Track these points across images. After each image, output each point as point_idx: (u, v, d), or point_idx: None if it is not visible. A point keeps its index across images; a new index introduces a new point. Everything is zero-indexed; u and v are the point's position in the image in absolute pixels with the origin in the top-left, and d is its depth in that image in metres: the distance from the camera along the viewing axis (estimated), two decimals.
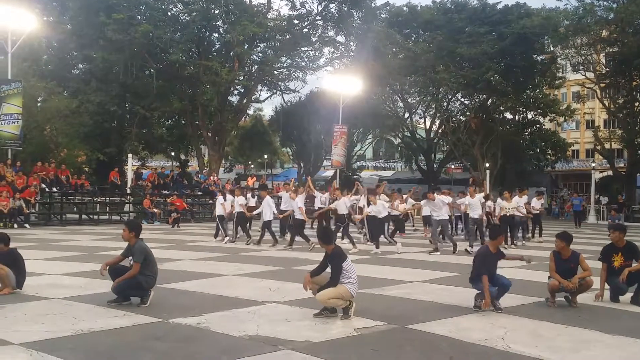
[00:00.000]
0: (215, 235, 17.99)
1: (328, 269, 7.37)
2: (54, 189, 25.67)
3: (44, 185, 24.81)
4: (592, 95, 49.86)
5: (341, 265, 7.20)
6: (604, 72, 44.00)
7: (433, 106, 47.94)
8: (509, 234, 16.87)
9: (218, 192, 25.00)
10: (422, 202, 17.39)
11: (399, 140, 57.45)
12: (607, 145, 46.42)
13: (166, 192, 29.39)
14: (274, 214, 17.02)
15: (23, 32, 25.87)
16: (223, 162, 51.16)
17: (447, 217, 15.95)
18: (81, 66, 42.45)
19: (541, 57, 43.84)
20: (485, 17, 40.88)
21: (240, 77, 39.89)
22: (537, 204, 20.00)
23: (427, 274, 11.28)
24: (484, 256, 7.96)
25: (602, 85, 44.11)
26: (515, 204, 17.63)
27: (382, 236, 15.55)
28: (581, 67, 44.07)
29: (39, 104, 32.83)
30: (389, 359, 5.71)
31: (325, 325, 6.89)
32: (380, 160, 74.56)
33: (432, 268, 12.11)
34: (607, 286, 8.55)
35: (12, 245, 8.87)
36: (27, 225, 21.60)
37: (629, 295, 8.49)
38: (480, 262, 7.88)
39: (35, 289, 8.72)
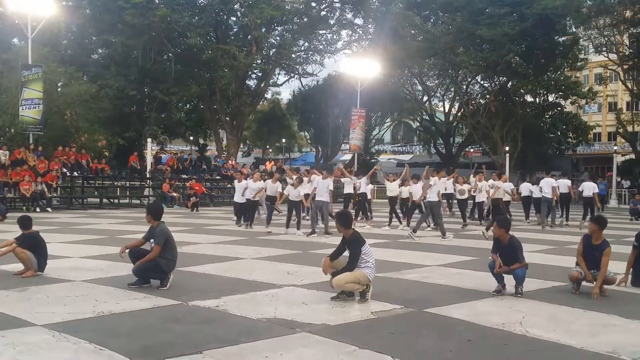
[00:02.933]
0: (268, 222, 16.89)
1: (346, 252, 7.39)
2: (75, 173, 25.96)
3: (65, 170, 25.12)
4: (614, 77, 48.99)
5: (360, 250, 7.19)
6: (627, 53, 43.18)
7: (452, 89, 47.45)
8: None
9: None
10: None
11: (418, 124, 57.02)
12: (629, 128, 45.67)
13: (185, 176, 29.58)
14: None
15: (43, 17, 26.05)
16: (241, 146, 51.32)
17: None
18: (100, 51, 42.75)
19: (563, 38, 43.05)
20: None
21: (258, 61, 39.85)
22: (562, 185, 19.18)
23: (446, 257, 11.25)
24: (494, 239, 8.01)
25: (625, 66, 43.31)
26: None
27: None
28: (604, 49, 43.24)
29: (59, 89, 33.07)
30: (406, 342, 5.72)
31: (343, 309, 6.92)
32: (399, 144, 74.23)
33: (451, 252, 12.07)
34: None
35: (34, 228, 9.02)
36: (49, 209, 21.90)
37: None
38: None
39: (57, 272, 8.87)
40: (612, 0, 38.63)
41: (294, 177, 17.60)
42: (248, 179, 18.11)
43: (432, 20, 43.96)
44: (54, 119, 29.48)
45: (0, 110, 28.94)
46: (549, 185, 18.37)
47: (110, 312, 6.56)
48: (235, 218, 18.31)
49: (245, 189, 17.06)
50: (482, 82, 46.06)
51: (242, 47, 38.07)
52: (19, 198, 21.88)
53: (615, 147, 44.09)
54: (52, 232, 13.76)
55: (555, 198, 18.40)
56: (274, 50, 41.97)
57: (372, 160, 49.98)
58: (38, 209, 21.22)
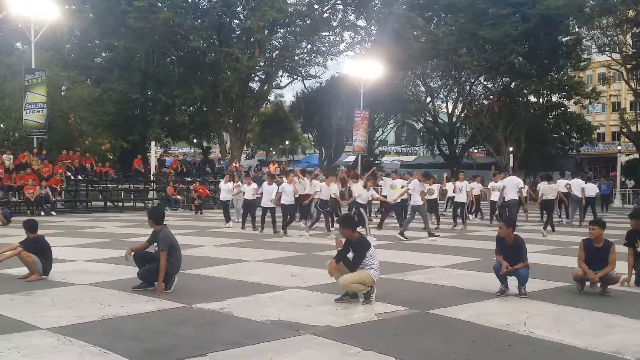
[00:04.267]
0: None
1: (349, 254, 7.39)
2: (79, 177, 26.04)
3: (69, 173, 25.19)
4: (618, 77, 48.91)
5: (365, 254, 7.21)
6: (630, 53, 43.07)
7: (455, 90, 47.32)
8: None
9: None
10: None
11: (421, 125, 56.97)
12: (633, 128, 45.56)
13: (189, 179, 29.61)
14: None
15: (46, 21, 26.11)
16: (245, 148, 51.37)
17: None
18: (103, 54, 42.85)
19: (566, 38, 42.98)
20: None
21: (260, 64, 39.89)
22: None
23: (450, 259, 11.24)
24: (497, 240, 8.04)
25: (629, 66, 43.21)
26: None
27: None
28: (607, 48, 43.12)
29: (62, 93, 33.19)
30: (410, 344, 5.73)
31: (347, 310, 6.93)
32: (402, 145, 74.20)
33: (455, 253, 12.06)
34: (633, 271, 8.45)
35: (39, 232, 9.05)
36: (53, 213, 21.97)
37: None
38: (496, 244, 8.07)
39: (62, 275, 8.89)
40: (614, 0, 38.52)
41: (365, 177, 17.26)
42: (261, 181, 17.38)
43: (434, 22, 43.91)
44: (57, 122, 29.56)
45: (4, 115, 29.07)
46: (579, 186, 19.48)
47: (115, 315, 6.58)
48: (236, 221, 18.08)
49: (280, 193, 15.57)
50: (485, 83, 45.98)
51: (245, 49, 38.13)
52: (23, 202, 21.94)
53: (619, 147, 43.96)
54: (57, 236, 13.81)
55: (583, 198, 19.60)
56: (276, 52, 42.03)
57: (376, 162, 49.98)
58: (42, 213, 21.29)
